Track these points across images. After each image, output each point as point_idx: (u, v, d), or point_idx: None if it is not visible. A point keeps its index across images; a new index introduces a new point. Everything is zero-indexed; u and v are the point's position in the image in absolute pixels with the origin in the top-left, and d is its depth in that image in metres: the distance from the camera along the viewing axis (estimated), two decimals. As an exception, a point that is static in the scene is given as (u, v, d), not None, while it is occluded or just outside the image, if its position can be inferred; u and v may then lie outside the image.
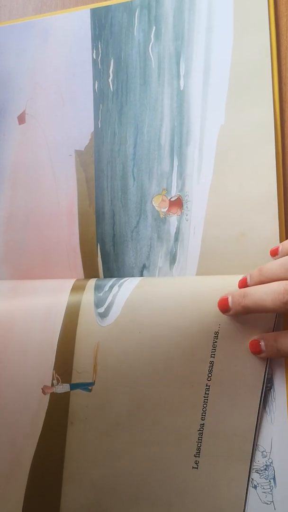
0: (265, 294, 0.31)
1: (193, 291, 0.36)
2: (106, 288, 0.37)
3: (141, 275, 0.39)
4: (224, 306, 0.34)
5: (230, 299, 0.34)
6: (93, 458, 0.36)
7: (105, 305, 0.36)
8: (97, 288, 0.37)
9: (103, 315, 0.36)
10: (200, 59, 0.38)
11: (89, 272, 0.41)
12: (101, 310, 0.36)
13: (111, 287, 0.37)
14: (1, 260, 0.43)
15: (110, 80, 0.40)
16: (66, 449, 0.36)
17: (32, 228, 0.42)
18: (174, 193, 0.38)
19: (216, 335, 0.34)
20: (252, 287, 0.33)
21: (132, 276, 0.39)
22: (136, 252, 0.39)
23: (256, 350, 0.34)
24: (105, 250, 0.40)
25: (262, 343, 0.34)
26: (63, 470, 0.36)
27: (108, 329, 0.36)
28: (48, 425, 0.36)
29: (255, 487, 0.34)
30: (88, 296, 0.37)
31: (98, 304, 0.37)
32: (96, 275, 0.41)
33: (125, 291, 0.36)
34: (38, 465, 0.36)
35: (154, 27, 0.39)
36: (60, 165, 0.42)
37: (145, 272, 0.39)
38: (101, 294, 0.37)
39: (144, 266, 0.39)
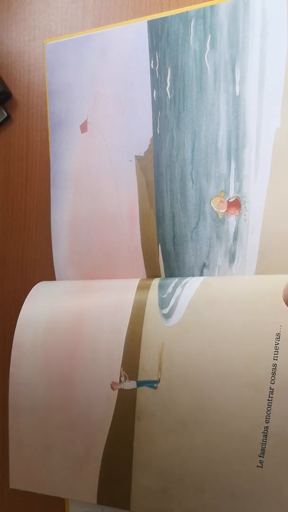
0: None
1: (253, 292, 0.37)
2: (169, 289, 0.39)
3: (201, 273, 0.41)
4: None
5: None
6: (160, 451, 0.38)
7: (169, 307, 0.38)
8: (161, 289, 0.39)
9: (167, 316, 0.38)
10: (255, 65, 0.40)
11: (151, 271, 0.43)
12: (165, 311, 0.38)
13: (174, 288, 0.39)
14: (67, 261, 0.46)
15: (167, 88, 0.42)
16: (135, 442, 0.38)
17: (95, 231, 0.45)
18: (232, 194, 0.40)
19: (278, 336, 0.35)
20: None
21: (193, 274, 0.41)
22: (196, 251, 0.41)
23: None
24: (166, 250, 0.42)
25: None
26: (132, 458, 0.38)
27: (172, 329, 0.38)
28: (117, 418, 0.39)
29: None
30: (152, 298, 0.39)
31: (162, 305, 0.38)
32: (157, 274, 0.43)
33: (187, 292, 0.38)
34: (110, 453, 0.39)
35: (209, 36, 0.41)
36: (120, 170, 0.44)
37: (205, 270, 0.41)
38: (164, 296, 0.39)
39: (204, 265, 0.41)
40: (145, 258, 0.43)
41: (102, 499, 0.40)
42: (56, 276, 0.46)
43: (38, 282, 0.46)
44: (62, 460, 0.40)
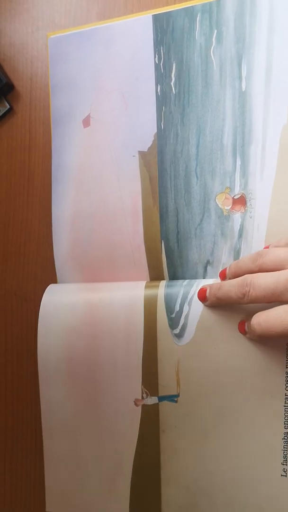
0: (232, 286, 0.34)
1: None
2: (177, 307, 0.39)
3: (205, 271, 0.41)
4: (202, 297, 0.37)
5: (208, 290, 0.37)
6: (185, 463, 0.39)
7: (179, 327, 0.39)
8: (168, 307, 0.40)
9: (179, 336, 0.39)
10: (262, 60, 0.39)
11: (154, 268, 0.43)
12: (177, 331, 0.39)
13: (182, 306, 0.39)
14: (68, 257, 0.45)
15: (172, 83, 0.42)
16: (161, 455, 0.40)
17: (97, 226, 0.44)
18: (237, 191, 0.40)
19: None
20: (226, 280, 0.36)
21: (196, 272, 0.41)
22: (200, 248, 0.41)
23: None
24: (169, 247, 0.42)
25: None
26: (160, 473, 0.40)
27: (185, 348, 0.39)
28: (143, 433, 0.40)
29: None
30: (162, 320, 0.39)
31: (172, 326, 0.39)
32: (160, 271, 0.43)
33: (195, 309, 0.39)
34: (138, 468, 0.40)
35: (215, 31, 0.40)
36: (123, 165, 0.44)
37: (209, 268, 0.41)
38: (173, 315, 0.39)
39: (208, 262, 0.41)
40: (148, 255, 0.43)
41: None
42: (57, 271, 0.46)
43: (39, 276, 0.46)
44: (94, 479, 0.42)
